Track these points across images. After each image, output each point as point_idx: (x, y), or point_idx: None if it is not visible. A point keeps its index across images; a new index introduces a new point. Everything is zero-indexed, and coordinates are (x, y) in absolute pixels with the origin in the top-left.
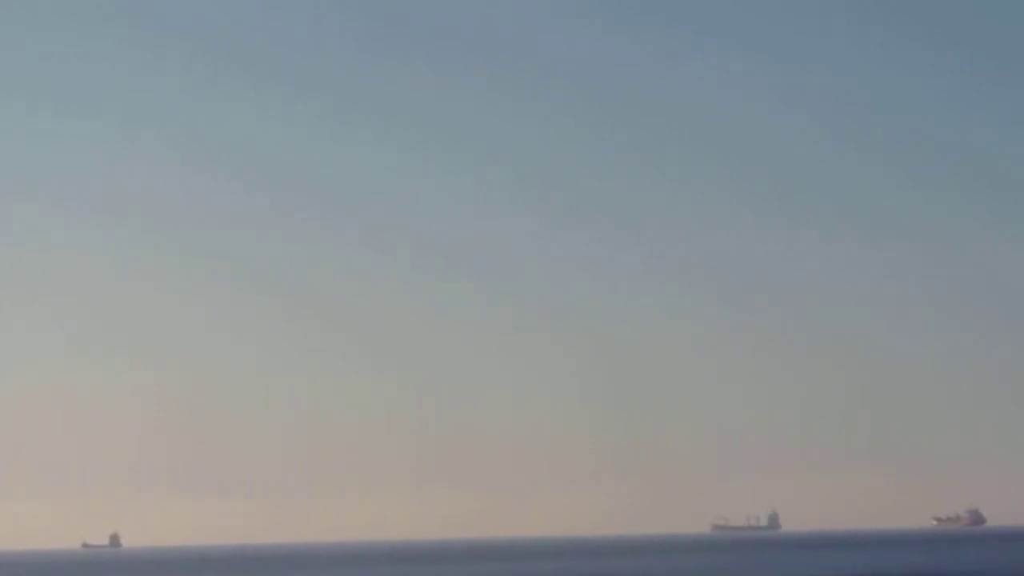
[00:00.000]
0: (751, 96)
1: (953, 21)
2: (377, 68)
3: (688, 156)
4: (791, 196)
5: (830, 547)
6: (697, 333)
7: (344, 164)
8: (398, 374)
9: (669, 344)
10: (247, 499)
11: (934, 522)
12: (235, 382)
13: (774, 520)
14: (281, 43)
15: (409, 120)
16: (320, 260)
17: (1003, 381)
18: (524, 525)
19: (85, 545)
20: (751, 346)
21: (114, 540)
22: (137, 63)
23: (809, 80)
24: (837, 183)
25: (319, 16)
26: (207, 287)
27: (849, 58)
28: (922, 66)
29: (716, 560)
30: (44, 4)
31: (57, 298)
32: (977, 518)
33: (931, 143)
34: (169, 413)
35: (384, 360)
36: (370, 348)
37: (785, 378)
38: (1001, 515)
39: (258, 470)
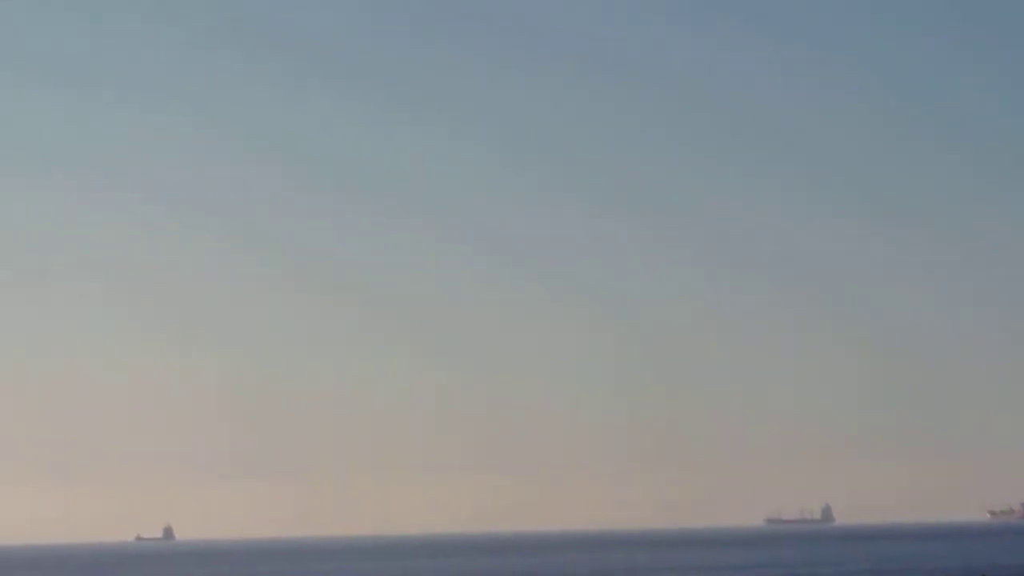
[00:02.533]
0: (791, 83)
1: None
2: (412, 55)
3: (733, 146)
4: (847, 189)
5: (884, 540)
6: (751, 326)
7: (395, 154)
8: (448, 364)
9: (722, 337)
10: (306, 489)
11: (989, 515)
12: (285, 374)
13: (827, 513)
14: (308, 30)
15: (464, 112)
16: (366, 250)
17: None
18: (576, 517)
19: (139, 538)
20: (805, 339)
21: (168, 533)
22: (181, 50)
23: (852, 68)
24: (890, 179)
25: (345, 3)
26: (257, 278)
27: (889, 40)
28: (964, 55)
29: (772, 554)
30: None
31: (110, 293)
32: None
33: (979, 132)
34: (224, 406)
35: (434, 351)
36: (419, 339)
37: (839, 371)
38: None
39: (318, 459)
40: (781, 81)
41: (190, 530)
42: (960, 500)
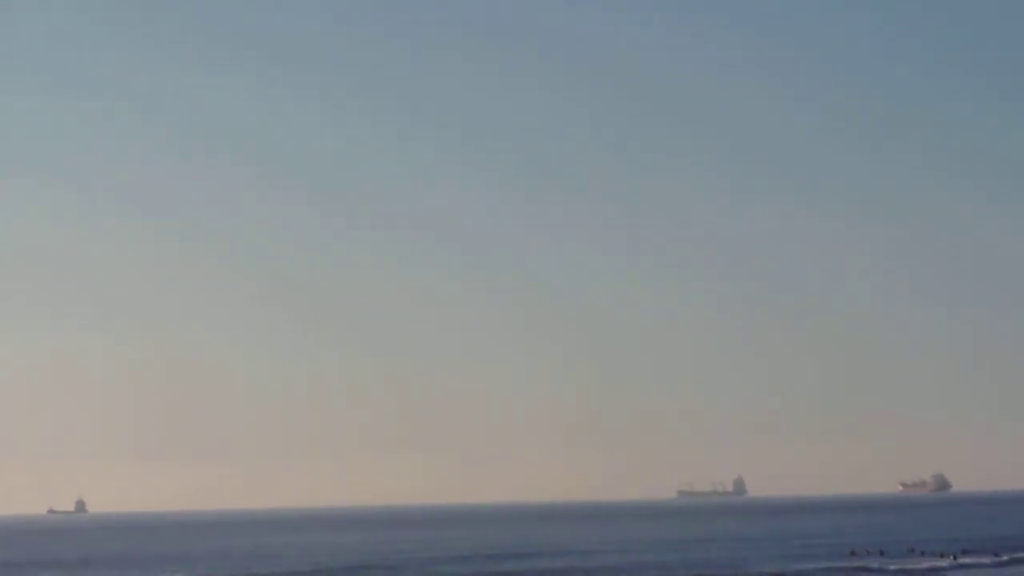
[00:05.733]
0: (746, 78)
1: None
2: (363, 48)
3: (673, 133)
4: (762, 169)
5: (795, 512)
6: (666, 303)
7: (319, 139)
8: (372, 344)
9: (638, 314)
10: (216, 465)
11: (900, 488)
12: (203, 349)
13: (740, 486)
14: (281, 26)
15: (386, 95)
16: (283, 232)
17: (969, 349)
18: (494, 492)
19: (51, 511)
20: (721, 315)
21: (80, 506)
22: (142, 47)
23: (804, 61)
24: (810, 158)
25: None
26: (173, 257)
27: (844, 39)
28: (911, 47)
29: (681, 527)
30: None
31: (26, 269)
32: (942, 483)
33: (912, 118)
34: (135, 381)
35: (358, 328)
36: (344, 317)
37: (752, 346)
38: (965, 481)
39: (229, 437)
40: (738, 77)
41: (102, 503)
42: (872, 473)
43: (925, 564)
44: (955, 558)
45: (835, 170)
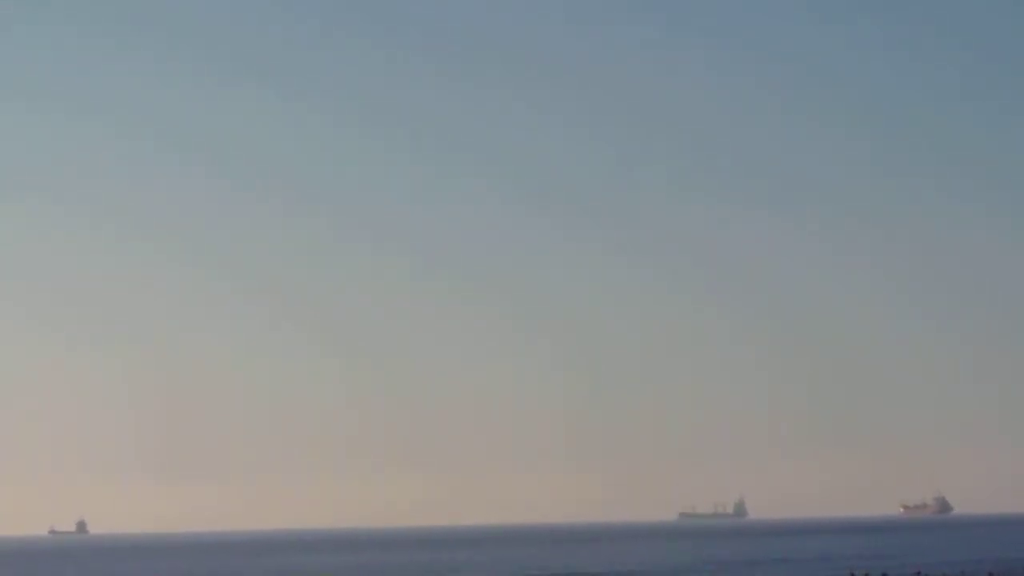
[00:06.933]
0: (739, 89)
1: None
2: (362, 61)
3: (662, 144)
4: (765, 184)
5: (797, 534)
6: (666, 321)
7: (313, 151)
8: (370, 362)
9: (637, 332)
10: (215, 485)
11: (902, 509)
12: (198, 371)
13: (741, 508)
14: (281, 43)
15: (386, 108)
16: (290, 248)
17: (971, 371)
18: (493, 512)
19: (52, 531)
20: (721, 334)
21: (81, 526)
22: (138, 63)
23: (787, 71)
24: (810, 171)
25: (316, 15)
26: (175, 275)
27: (825, 47)
28: (905, 58)
29: (685, 549)
30: (48, 3)
31: (25, 286)
32: (943, 506)
33: (890, 120)
34: (137, 400)
35: (356, 347)
36: (341, 335)
37: (754, 366)
38: (966, 503)
39: (229, 452)
40: (723, 86)
41: (104, 524)
42: (874, 495)
43: None
44: None
45: (839, 185)
